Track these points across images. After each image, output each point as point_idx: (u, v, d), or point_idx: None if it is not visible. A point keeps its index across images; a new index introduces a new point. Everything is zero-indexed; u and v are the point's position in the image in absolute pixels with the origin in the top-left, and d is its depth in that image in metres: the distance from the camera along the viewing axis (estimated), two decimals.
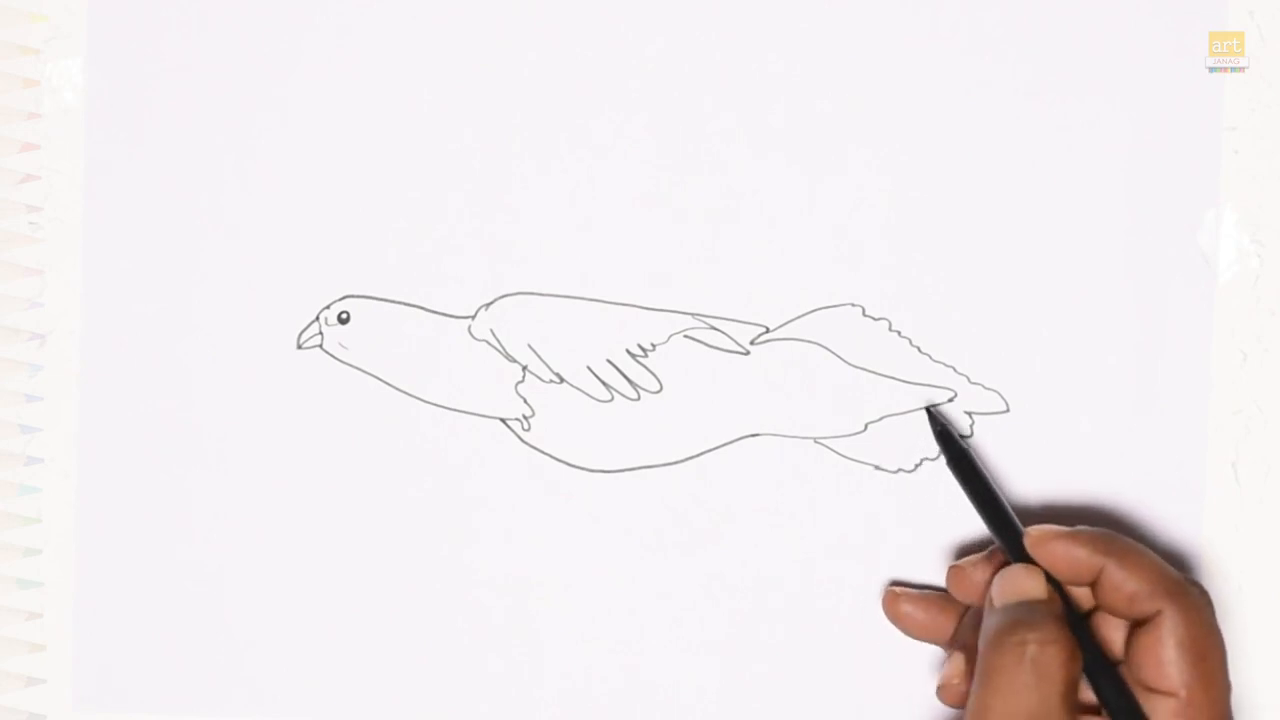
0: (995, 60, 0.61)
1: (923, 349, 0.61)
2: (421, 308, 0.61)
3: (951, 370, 0.61)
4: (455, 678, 0.62)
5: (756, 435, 0.61)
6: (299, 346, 0.62)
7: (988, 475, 0.59)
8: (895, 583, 0.61)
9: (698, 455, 0.61)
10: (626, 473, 0.61)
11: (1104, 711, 0.55)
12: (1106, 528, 0.57)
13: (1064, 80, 0.61)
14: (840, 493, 0.61)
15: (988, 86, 0.61)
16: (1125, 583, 0.54)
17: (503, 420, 0.61)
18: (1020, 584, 0.55)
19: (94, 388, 0.62)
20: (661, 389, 0.61)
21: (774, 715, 0.61)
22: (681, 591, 0.61)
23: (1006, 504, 0.58)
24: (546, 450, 0.61)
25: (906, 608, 0.59)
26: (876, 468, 0.61)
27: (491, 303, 0.61)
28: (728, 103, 0.61)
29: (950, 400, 0.61)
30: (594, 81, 0.61)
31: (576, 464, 0.61)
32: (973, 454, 0.59)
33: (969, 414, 0.61)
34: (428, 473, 0.61)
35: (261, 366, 0.62)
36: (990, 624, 0.54)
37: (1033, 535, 0.56)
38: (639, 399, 0.61)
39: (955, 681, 0.58)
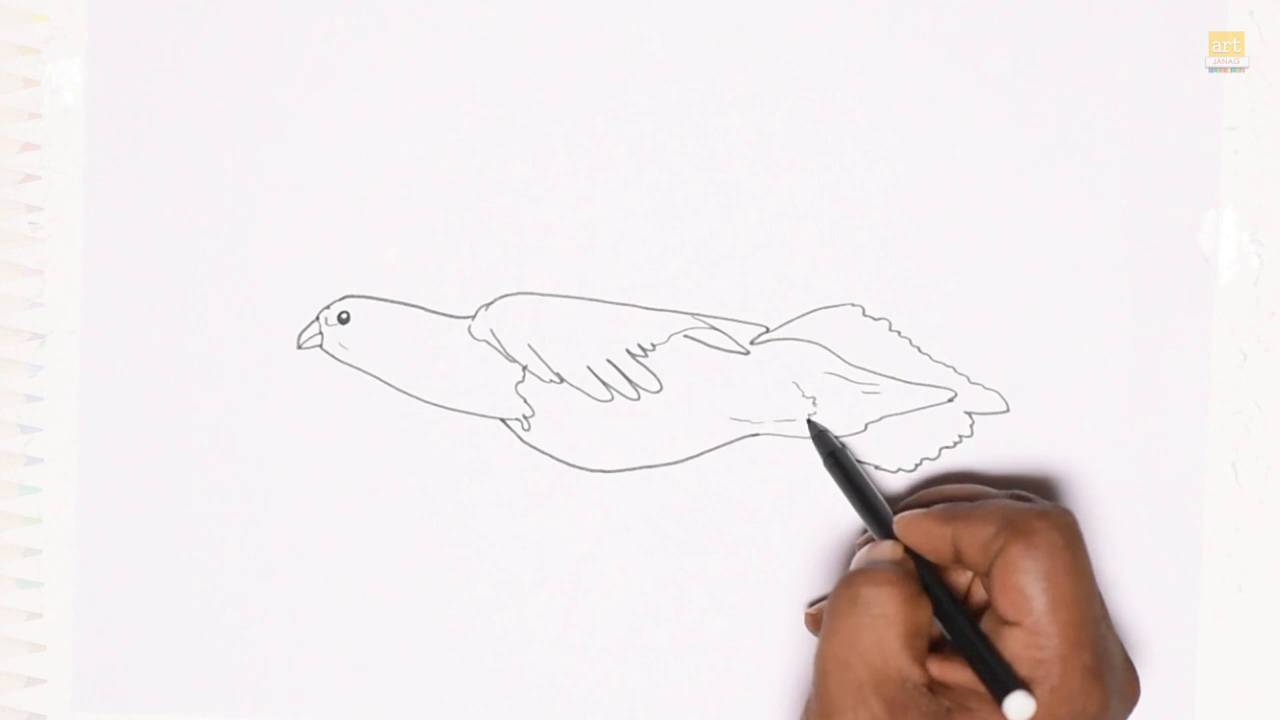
0: (995, 60, 0.61)
1: (923, 349, 0.61)
2: (421, 308, 0.61)
3: (951, 370, 0.61)
4: (455, 677, 0.62)
5: (756, 435, 0.61)
6: (299, 346, 0.62)
7: (862, 471, 0.59)
8: (811, 603, 0.61)
9: (698, 455, 0.61)
10: (626, 473, 0.61)
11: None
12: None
13: (1064, 80, 0.61)
14: (840, 493, 0.61)
15: (988, 86, 0.61)
16: (974, 535, 0.53)
17: (503, 420, 0.61)
18: (873, 551, 0.56)
19: (94, 388, 0.62)
20: (661, 389, 0.61)
21: (773, 715, 0.61)
22: (681, 591, 0.61)
23: (880, 497, 0.58)
24: (546, 450, 0.61)
25: None
26: (876, 468, 0.61)
27: (491, 303, 0.61)
28: (728, 103, 0.61)
29: (950, 400, 0.61)
30: (594, 81, 0.61)
31: (576, 464, 0.61)
32: (846, 452, 0.60)
33: (969, 414, 0.61)
34: (428, 473, 0.61)
35: (261, 366, 0.62)
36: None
37: (898, 522, 0.56)
38: (639, 399, 0.61)
39: (815, 612, 0.59)
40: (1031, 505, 0.54)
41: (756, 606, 0.61)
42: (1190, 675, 0.61)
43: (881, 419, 0.61)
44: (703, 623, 0.61)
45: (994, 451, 0.61)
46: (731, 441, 0.61)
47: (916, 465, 0.61)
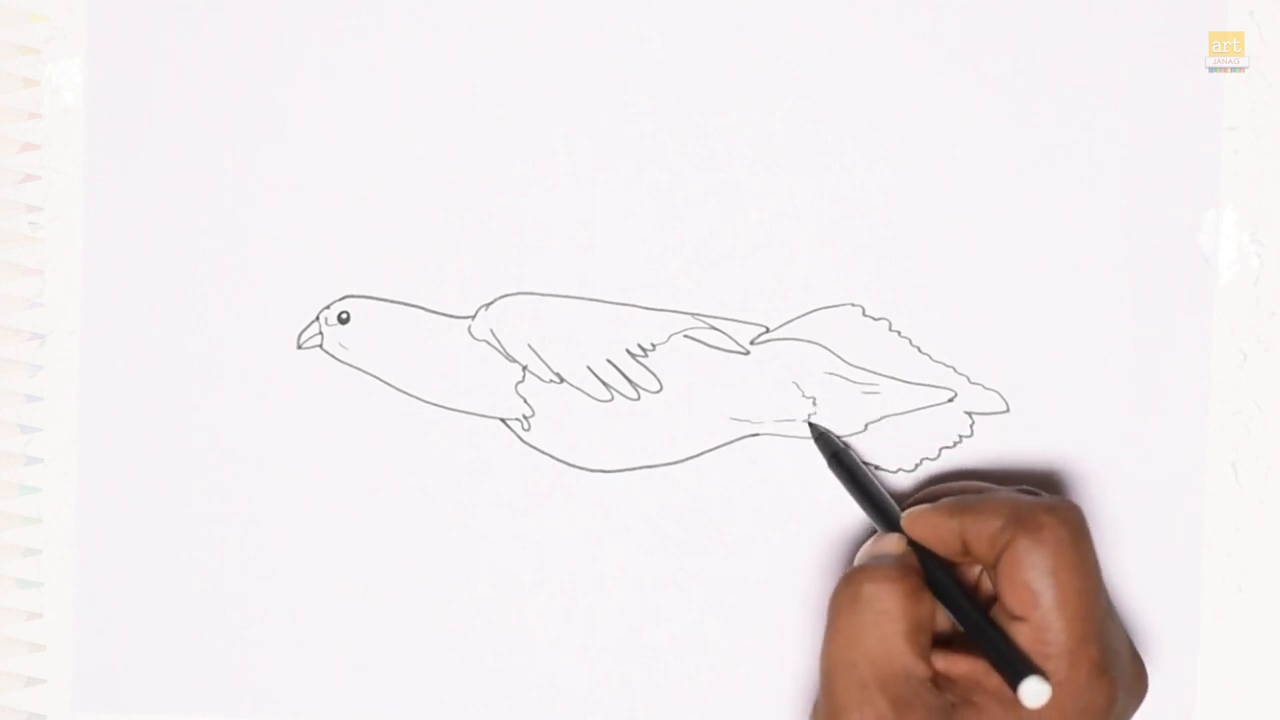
0: (995, 60, 0.61)
1: (923, 349, 0.61)
2: (421, 308, 0.61)
3: (951, 370, 0.61)
4: (455, 678, 0.62)
5: (756, 435, 0.61)
6: (299, 346, 0.62)
7: (866, 470, 0.59)
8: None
9: (698, 455, 0.61)
10: (626, 473, 0.61)
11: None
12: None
13: (1064, 80, 0.61)
14: (840, 493, 0.61)
15: (988, 86, 0.61)
16: (982, 528, 0.53)
17: (503, 420, 0.61)
18: (876, 546, 0.56)
19: (94, 388, 0.62)
20: (661, 389, 0.61)
21: (773, 715, 0.61)
22: (681, 591, 0.61)
23: (886, 495, 0.58)
24: (546, 450, 0.61)
25: None
26: (876, 468, 0.61)
27: (491, 303, 0.61)
28: (728, 102, 0.61)
29: (950, 400, 0.61)
30: (594, 81, 0.61)
31: (576, 464, 0.61)
32: (850, 452, 0.60)
33: (969, 414, 0.61)
34: (428, 473, 0.61)
35: (261, 366, 0.62)
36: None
37: (906, 518, 0.56)
38: (639, 399, 0.61)
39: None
40: (1038, 499, 0.54)
41: (756, 606, 0.61)
42: (1191, 675, 0.61)
43: (881, 419, 0.61)
44: (703, 623, 0.61)
45: (994, 451, 0.61)
46: (731, 441, 0.61)
47: (916, 465, 0.61)
